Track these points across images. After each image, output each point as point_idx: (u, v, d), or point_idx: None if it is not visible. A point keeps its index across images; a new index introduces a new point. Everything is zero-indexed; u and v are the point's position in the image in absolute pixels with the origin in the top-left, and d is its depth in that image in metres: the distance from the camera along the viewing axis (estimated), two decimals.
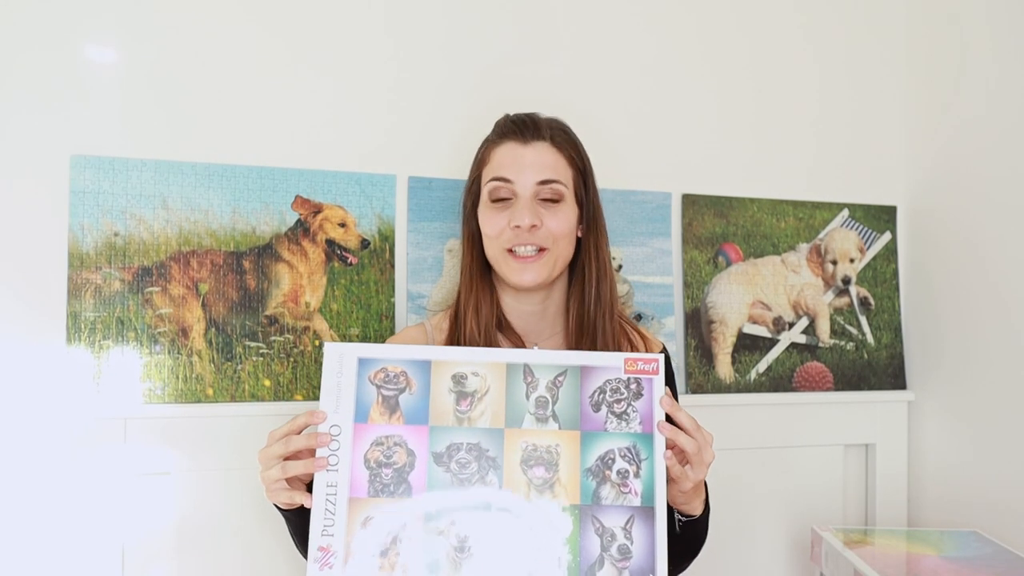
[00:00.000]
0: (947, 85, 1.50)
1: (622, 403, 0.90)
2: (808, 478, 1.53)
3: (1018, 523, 1.30)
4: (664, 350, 1.17)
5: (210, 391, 1.24)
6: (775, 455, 1.51)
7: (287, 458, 0.88)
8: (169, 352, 1.23)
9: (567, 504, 0.88)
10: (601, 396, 0.91)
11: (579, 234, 1.11)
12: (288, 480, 0.88)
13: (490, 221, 1.06)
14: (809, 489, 1.53)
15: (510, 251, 1.04)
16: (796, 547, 1.52)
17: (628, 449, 0.89)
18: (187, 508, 1.24)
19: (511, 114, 1.11)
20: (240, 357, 1.26)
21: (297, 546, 1.00)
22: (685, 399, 1.44)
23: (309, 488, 0.89)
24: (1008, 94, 1.35)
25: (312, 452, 0.88)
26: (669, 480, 0.90)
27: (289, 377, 1.28)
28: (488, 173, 1.07)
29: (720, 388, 1.47)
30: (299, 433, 0.89)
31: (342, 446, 0.88)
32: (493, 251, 1.07)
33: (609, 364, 0.91)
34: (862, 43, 1.59)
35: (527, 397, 0.90)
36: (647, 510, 0.88)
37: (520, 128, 1.07)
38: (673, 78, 1.50)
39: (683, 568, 1.09)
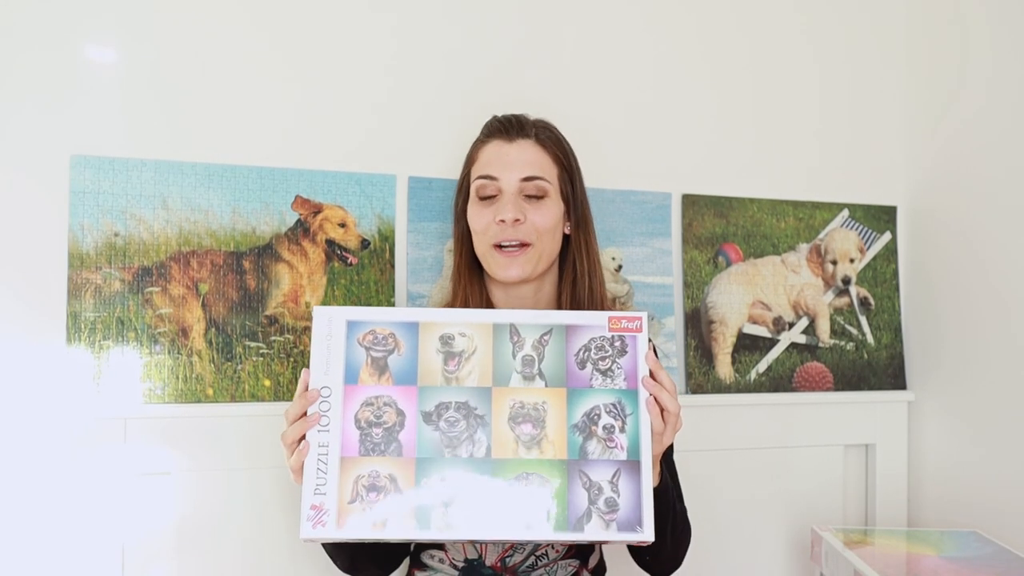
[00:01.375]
0: (947, 85, 1.50)
1: (607, 360, 0.92)
2: (808, 478, 1.52)
3: (1018, 523, 1.30)
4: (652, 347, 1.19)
5: (210, 391, 1.24)
6: (775, 455, 1.51)
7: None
8: (169, 352, 1.23)
9: (555, 459, 0.89)
10: (586, 354, 0.92)
11: (567, 231, 1.14)
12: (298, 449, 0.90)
13: (477, 217, 1.10)
14: (809, 489, 1.53)
15: (496, 247, 1.08)
16: (796, 547, 1.52)
17: (613, 405, 0.91)
18: (187, 508, 1.24)
19: (498, 115, 1.15)
20: (240, 357, 1.26)
21: (327, 550, 1.03)
22: (685, 399, 1.44)
23: None
24: (1008, 94, 1.35)
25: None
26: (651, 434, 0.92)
27: (289, 377, 1.27)
28: (475, 171, 1.12)
29: (720, 388, 1.47)
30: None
31: (332, 407, 0.89)
32: (481, 247, 1.10)
33: (593, 323, 0.93)
34: (862, 43, 1.59)
35: (514, 356, 0.92)
36: (633, 464, 0.89)
37: (505, 127, 1.11)
38: (673, 78, 1.50)
39: (673, 560, 1.09)
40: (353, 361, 0.90)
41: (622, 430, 0.90)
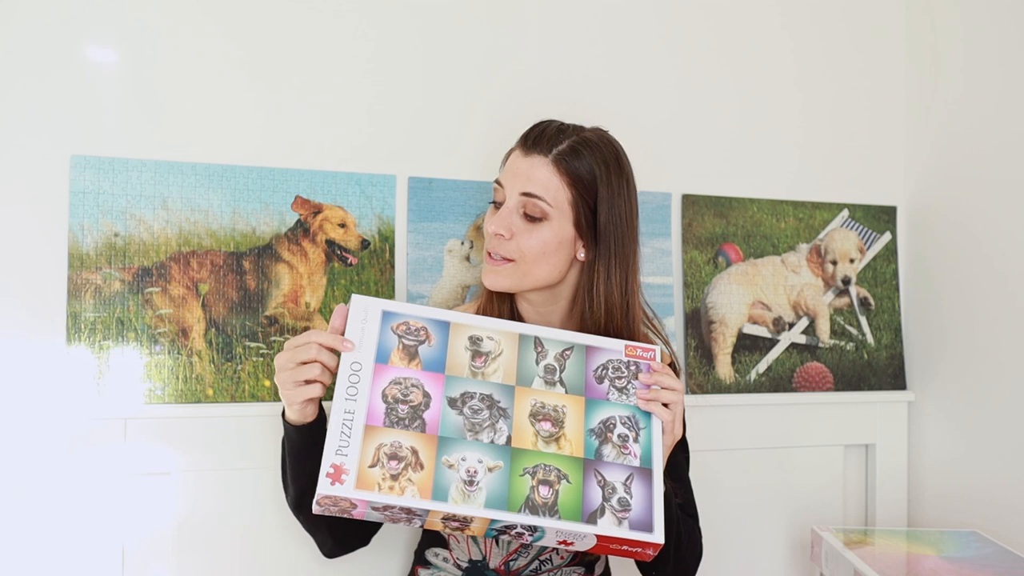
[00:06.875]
0: (947, 85, 1.50)
1: (623, 380, 0.98)
2: (808, 478, 1.53)
3: (1018, 523, 1.30)
4: (672, 363, 1.16)
5: (210, 391, 1.24)
6: (775, 455, 1.51)
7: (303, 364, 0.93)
8: (169, 352, 1.23)
9: (571, 455, 0.92)
10: (604, 371, 0.98)
11: (580, 257, 1.08)
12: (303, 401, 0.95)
13: (486, 220, 1.10)
14: (809, 489, 1.53)
15: (487, 253, 1.09)
16: (796, 547, 1.52)
17: (628, 418, 0.96)
18: (187, 508, 1.24)
19: (542, 120, 1.09)
20: (240, 357, 1.26)
21: (284, 480, 1.05)
22: (685, 399, 1.44)
23: (321, 422, 0.98)
24: (1009, 94, 1.35)
25: (323, 375, 0.93)
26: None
27: None
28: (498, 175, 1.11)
29: (720, 388, 1.47)
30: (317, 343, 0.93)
31: (362, 380, 0.91)
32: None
33: (611, 347, 1.00)
34: (861, 43, 1.59)
35: (536, 363, 0.97)
36: (645, 471, 0.93)
37: (528, 137, 1.07)
38: (672, 78, 1.50)
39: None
40: (385, 344, 0.94)
41: (636, 440, 0.94)
